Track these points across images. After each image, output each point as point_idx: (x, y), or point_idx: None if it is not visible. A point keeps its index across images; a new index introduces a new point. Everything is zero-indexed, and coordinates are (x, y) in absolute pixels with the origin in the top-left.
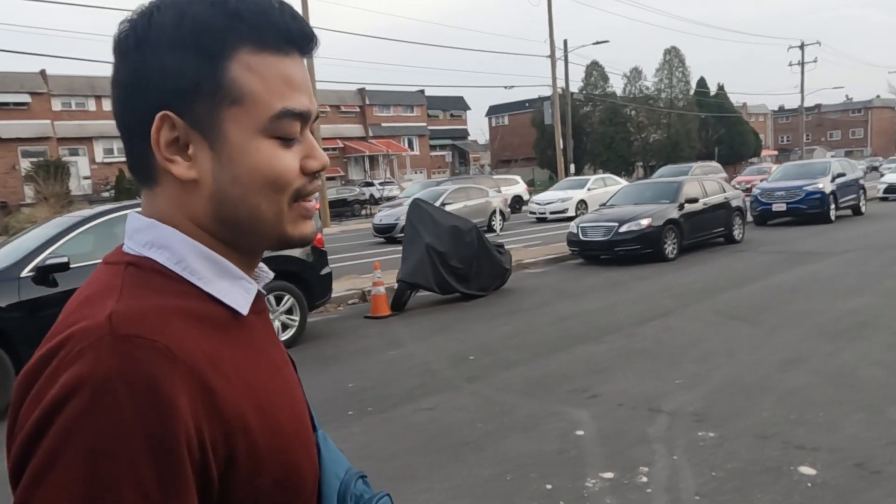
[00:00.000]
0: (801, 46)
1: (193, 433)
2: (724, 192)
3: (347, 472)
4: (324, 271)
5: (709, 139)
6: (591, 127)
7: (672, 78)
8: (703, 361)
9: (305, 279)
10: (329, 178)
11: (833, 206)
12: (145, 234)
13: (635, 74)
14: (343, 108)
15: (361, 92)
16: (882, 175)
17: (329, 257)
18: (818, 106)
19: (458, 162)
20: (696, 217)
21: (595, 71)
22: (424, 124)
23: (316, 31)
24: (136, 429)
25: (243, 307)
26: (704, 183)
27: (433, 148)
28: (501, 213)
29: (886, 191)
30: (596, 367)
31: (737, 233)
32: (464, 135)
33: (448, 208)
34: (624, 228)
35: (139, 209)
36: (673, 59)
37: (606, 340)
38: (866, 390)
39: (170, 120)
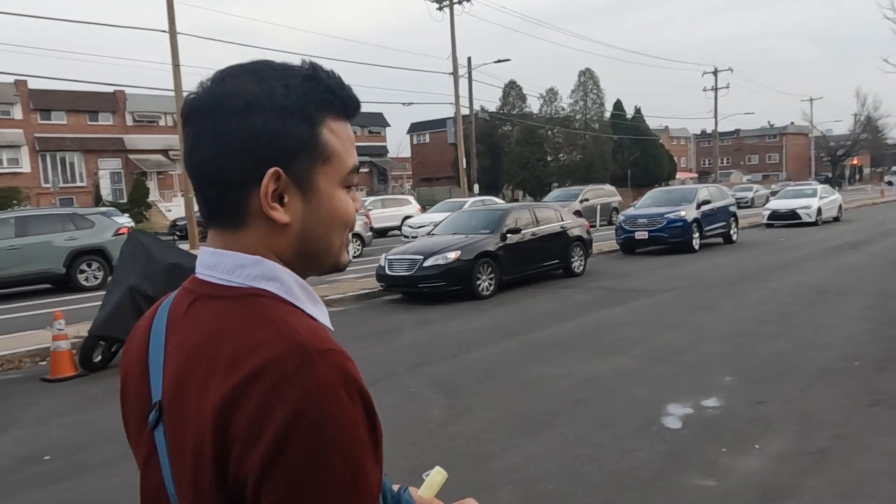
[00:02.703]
0: (715, 72)
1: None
2: (562, 220)
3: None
4: None
5: (624, 161)
6: (508, 147)
7: (587, 100)
8: None
9: None
10: None
11: (697, 235)
12: (253, 269)
13: (551, 95)
14: None
15: None
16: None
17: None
18: (737, 131)
19: (377, 179)
20: (521, 249)
21: (512, 91)
22: None
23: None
24: (362, 420)
25: (329, 324)
26: (537, 211)
27: None
28: (360, 237)
29: (770, 217)
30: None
31: (576, 265)
32: (382, 151)
33: None
34: (429, 262)
35: (214, 249)
36: (587, 81)
37: None
38: None
39: (277, 174)
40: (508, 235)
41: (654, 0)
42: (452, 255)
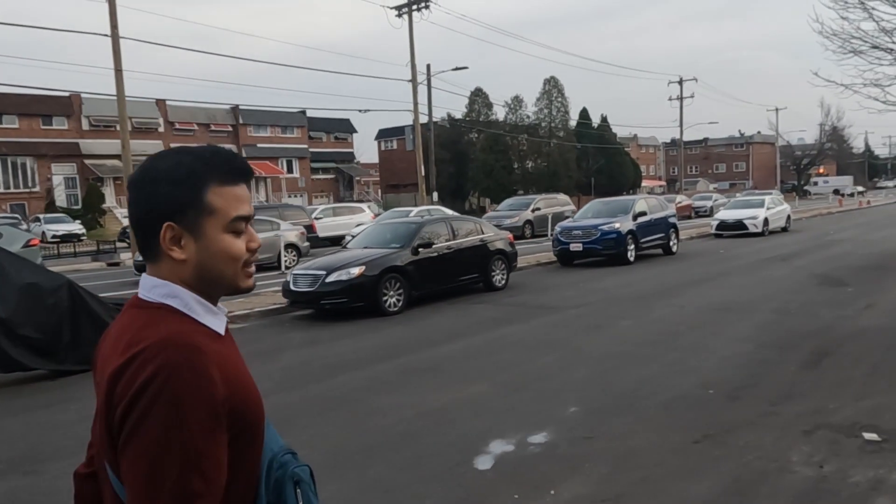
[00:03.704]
0: (680, 82)
1: (221, 396)
2: (482, 234)
3: (280, 447)
4: None
5: (589, 169)
6: (474, 154)
7: (551, 108)
8: None
9: None
10: None
11: (632, 247)
12: (162, 289)
13: (516, 103)
14: (213, 127)
15: (234, 110)
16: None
17: None
18: (705, 139)
19: (343, 186)
20: (435, 263)
21: (478, 98)
22: (305, 146)
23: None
24: (195, 393)
25: (221, 330)
26: (455, 224)
27: (315, 171)
28: (296, 247)
29: (718, 227)
30: None
31: (497, 278)
32: (349, 158)
33: None
34: (331, 278)
35: (144, 274)
36: (552, 90)
37: (37, 470)
38: None
39: (171, 227)
40: (420, 249)
41: (631, 9)
42: (356, 271)
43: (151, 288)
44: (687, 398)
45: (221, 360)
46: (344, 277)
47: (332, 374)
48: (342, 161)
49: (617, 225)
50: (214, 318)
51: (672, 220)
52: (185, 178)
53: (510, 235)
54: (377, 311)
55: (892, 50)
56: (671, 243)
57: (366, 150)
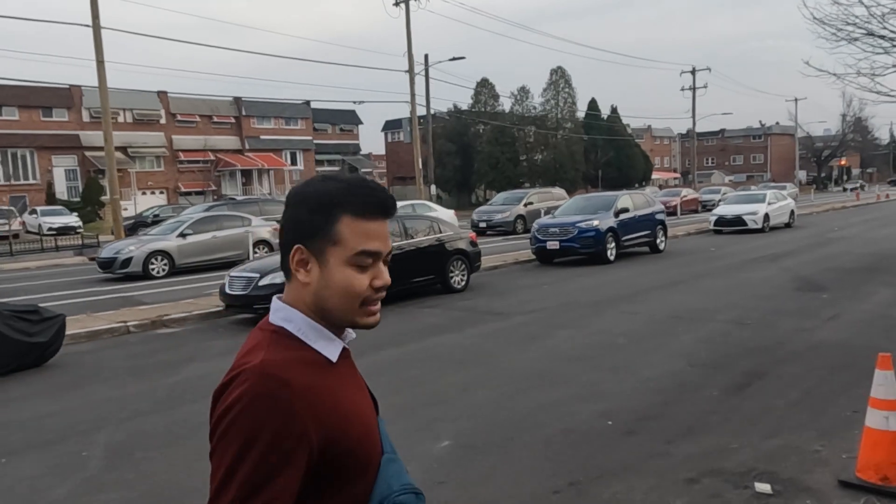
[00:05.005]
0: (693, 72)
1: (302, 430)
2: (439, 233)
3: (401, 485)
4: None
5: (597, 161)
6: (480, 146)
7: (558, 98)
8: None
9: None
10: (185, 193)
11: (612, 245)
12: (281, 312)
13: (523, 94)
14: (216, 119)
15: (237, 102)
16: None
17: None
18: (722, 130)
19: None
20: None
21: (484, 89)
22: (310, 138)
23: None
24: (266, 426)
25: (333, 357)
26: (408, 223)
27: (320, 163)
28: (267, 243)
29: (717, 223)
30: None
31: (456, 280)
32: (355, 150)
33: (190, 239)
34: (265, 281)
35: (282, 294)
36: (559, 80)
37: None
38: None
39: (301, 249)
40: None
41: None
42: None
43: (275, 311)
44: (577, 431)
45: (315, 393)
46: (278, 281)
47: (205, 396)
48: (347, 152)
49: (595, 222)
50: (328, 344)
51: (660, 216)
52: (323, 205)
53: (472, 234)
54: None
55: (884, 37)
56: (658, 241)
57: (374, 141)
